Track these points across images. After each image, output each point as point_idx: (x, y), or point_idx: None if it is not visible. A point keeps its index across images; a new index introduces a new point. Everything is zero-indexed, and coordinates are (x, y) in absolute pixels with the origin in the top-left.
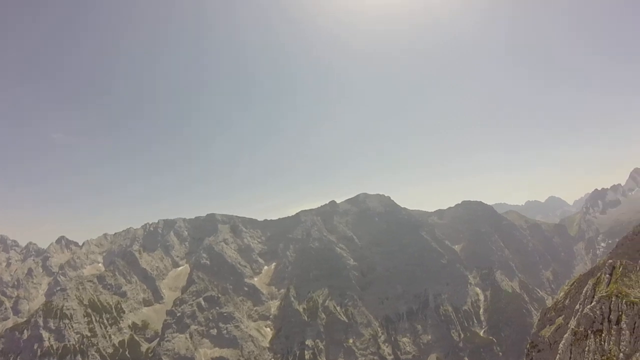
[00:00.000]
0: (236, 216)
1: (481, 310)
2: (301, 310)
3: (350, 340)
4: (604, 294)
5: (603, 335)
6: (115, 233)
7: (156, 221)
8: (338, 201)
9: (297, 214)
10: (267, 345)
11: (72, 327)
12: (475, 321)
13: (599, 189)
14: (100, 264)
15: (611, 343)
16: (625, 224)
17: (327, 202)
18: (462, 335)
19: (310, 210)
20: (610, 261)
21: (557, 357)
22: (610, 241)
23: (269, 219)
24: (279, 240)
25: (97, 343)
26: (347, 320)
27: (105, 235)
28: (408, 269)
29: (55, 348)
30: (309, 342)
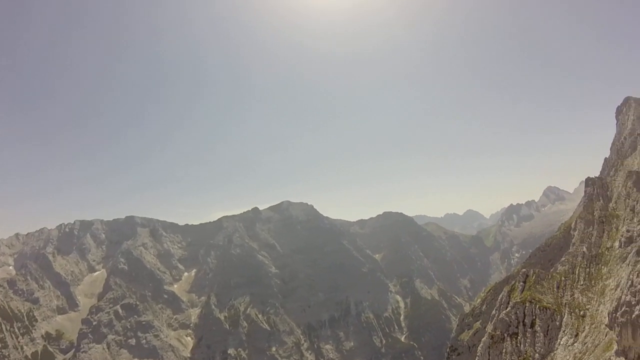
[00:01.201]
0: (156, 219)
1: (402, 317)
2: (222, 318)
3: (273, 349)
4: (519, 300)
5: (519, 338)
6: (28, 233)
7: (72, 222)
8: (261, 208)
9: (219, 219)
10: (188, 355)
11: None
12: (397, 327)
13: (514, 204)
14: (11, 267)
15: (526, 345)
16: (538, 237)
17: (249, 209)
18: (384, 341)
19: (233, 216)
20: (524, 270)
21: (476, 359)
22: (523, 252)
23: (190, 223)
24: (200, 246)
25: (9, 355)
26: (269, 328)
27: (17, 235)
28: (330, 276)
29: None
30: (231, 351)
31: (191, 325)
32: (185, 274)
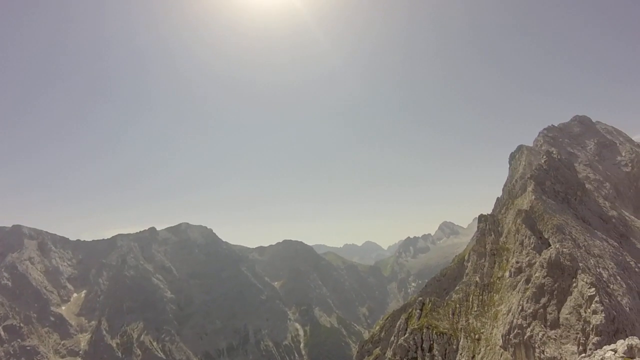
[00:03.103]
0: (45, 232)
1: (302, 345)
2: (114, 345)
3: None
4: (416, 327)
5: None
6: None
7: None
8: (158, 228)
9: (113, 237)
10: None
11: None
12: (297, 355)
13: (411, 236)
14: None
15: None
16: (433, 268)
17: (146, 228)
18: None
19: (128, 235)
20: (420, 298)
21: None
22: (420, 282)
23: (82, 239)
24: (92, 265)
25: None
26: (164, 357)
27: None
28: (227, 303)
29: None
30: None
31: (80, 352)
32: (75, 294)
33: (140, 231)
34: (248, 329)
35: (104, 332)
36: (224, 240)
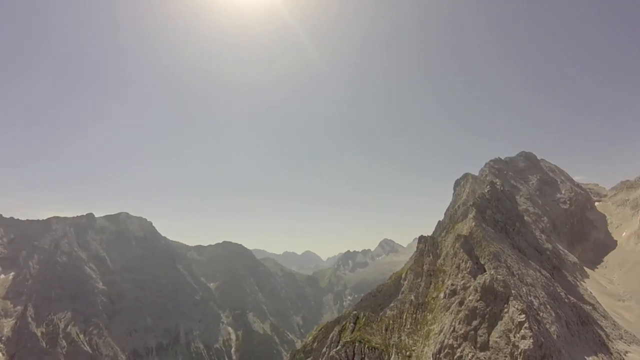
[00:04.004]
0: None
1: (233, 349)
2: (39, 334)
3: None
4: (349, 340)
5: None
6: None
7: None
8: (97, 215)
9: (48, 219)
10: None
11: None
12: (227, 359)
13: (351, 250)
14: None
15: None
16: (370, 283)
17: (84, 214)
18: None
19: (64, 218)
20: (355, 312)
21: None
22: (356, 295)
23: (15, 217)
24: (23, 246)
25: None
26: (91, 351)
27: None
28: (160, 301)
29: None
30: None
31: (2, 338)
32: (2, 276)
33: (77, 216)
34: (179, 329)
35: (29, 320)
36: (163, 235)
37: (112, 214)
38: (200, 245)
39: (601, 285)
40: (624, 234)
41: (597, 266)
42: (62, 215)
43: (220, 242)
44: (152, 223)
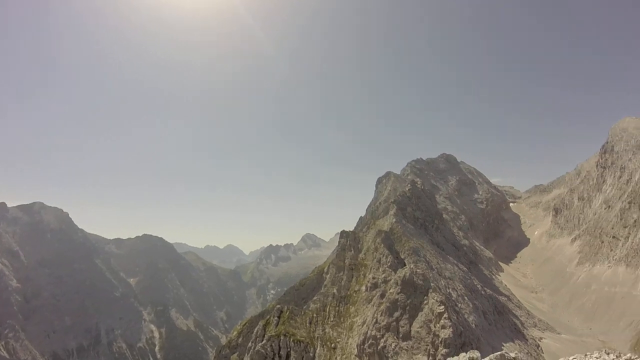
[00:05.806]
0: None
1: (157, 348)
2: None
3: None
4: (274, 334)
5: None
6: None
7: None
8: (9, 204)
9: None
10: None
11: None
12: (151, 358)
13: (274, 244)
14: None
15: None
16: (293, 277)
17: None
18: None
19: None
20: (278, 306)
21: None
22: (279, 289)
23: None
24: None
25: None
26: (8, 357)
27: None
28: (78, 298)
29: None
30: None
31: None
32: None
33: None
34: (100, 328)
35: None
36: (80, 227)
37: (26, 203)
38: (119, 238)
39: (515, 279)
40: (536, 232)
41: (511, 261)
42: None
43: (140, 235)
44: (68, 214)
